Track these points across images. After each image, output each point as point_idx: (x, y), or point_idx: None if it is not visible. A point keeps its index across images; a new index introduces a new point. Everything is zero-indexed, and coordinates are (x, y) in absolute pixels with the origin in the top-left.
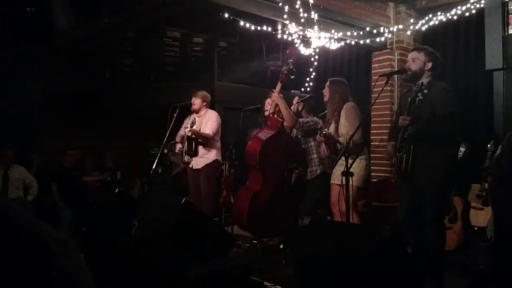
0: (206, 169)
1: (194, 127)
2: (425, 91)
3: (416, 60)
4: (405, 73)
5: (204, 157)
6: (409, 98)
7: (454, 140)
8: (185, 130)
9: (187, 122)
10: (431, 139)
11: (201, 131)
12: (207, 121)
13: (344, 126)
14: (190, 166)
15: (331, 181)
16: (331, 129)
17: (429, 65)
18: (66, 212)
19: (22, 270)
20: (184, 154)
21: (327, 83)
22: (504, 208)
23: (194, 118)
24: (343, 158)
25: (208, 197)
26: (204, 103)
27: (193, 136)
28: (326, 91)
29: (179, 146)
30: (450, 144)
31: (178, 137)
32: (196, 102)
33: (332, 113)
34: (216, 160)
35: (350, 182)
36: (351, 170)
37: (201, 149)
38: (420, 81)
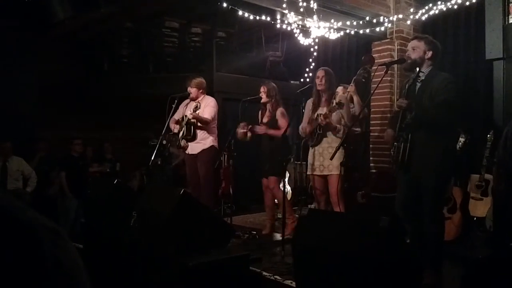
0: (203, 155)
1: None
2: (423, 78)
3: (416, 49)
4: (405, 62)
5: (201, 143)
6: (407, 85)
7: (451, 129)
8: (183, 114)
9: (184, 108)
10: (429, 127)
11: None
12: (205, 106)
13: (337, 114)
14: (187, 152)
15: (312, 172)
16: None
17: (429, 54)
18: (73, 203)
19: (12, 259)
20: (181, 139)
21: (322, 72)
22: (500, 194)
23: (197, 104)
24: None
25: (207, 183)
26: (200, 90)
27: (193, 120)
28: (322, 81)
29: (176, 127)
30: (448, 133)
31: (173, 121)
32: (192, 91)
33: (325, 101)
34: (212, 146)
35: (341, 172)
36: (335, 160)
37: (198, 134)
38: (418, 68)
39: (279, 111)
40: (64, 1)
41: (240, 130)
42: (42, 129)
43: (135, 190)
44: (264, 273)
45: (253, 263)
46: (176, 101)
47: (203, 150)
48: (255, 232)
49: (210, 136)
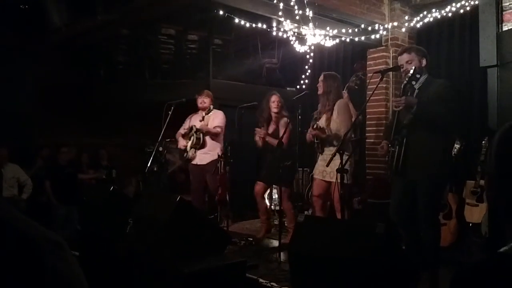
0: (211, 166)
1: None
2: (420, 86)
3: (411, 62)
4: (406, 75)
5: (210, 153)
6: (402, 84)
7: (448, 132)
8: (189, 126)
9: (189, 122)
10: (427, 127)
11: (209, 127)
12: (214, 118)
13: (335, 122)
14: (194, 162)
15: (314, 176)
16: (322, 122)
17: (424, 61)
18: (60, 210)
19: (13, 271)
20: (189, 149)
21: (321, 77)
22: (489, 200)
23: (209, 107)
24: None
25: (217, 190)
26: (212, 102)
27: (202, 132)
28: (320, 85)
29: (183, 142)
30: (445, 136)
31: (178, 135)
32: (206, 100)
33: (325, 107)
34: (219, 157)
35: (344, 180)
36: (335, 167)
37: (208, 143)
38: (412, 68)
39: (283, 121)
40: (61, 7)
41: (257, 136)
42: (39, 135)
43: (131, 196)
44: (261, 280)
45: (250, 270)
46: (172, 108)
47: (211, 161)
48: (251, 239)
49: (218, 148)
